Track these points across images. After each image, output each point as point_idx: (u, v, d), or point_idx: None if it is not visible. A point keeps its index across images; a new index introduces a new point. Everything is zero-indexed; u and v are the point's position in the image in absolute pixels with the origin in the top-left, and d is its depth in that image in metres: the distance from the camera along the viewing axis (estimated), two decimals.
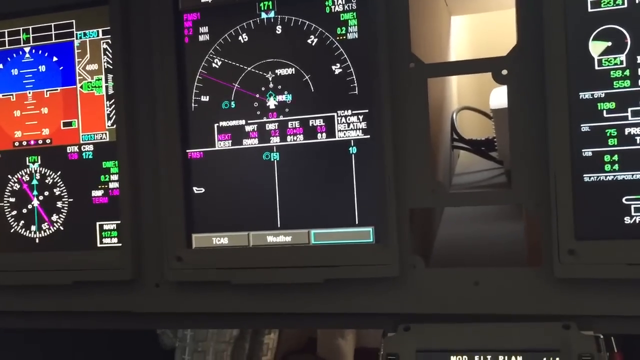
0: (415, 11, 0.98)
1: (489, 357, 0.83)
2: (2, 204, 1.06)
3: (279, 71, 0.93)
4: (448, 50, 1.39)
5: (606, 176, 0.81)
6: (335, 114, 0.91)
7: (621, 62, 0.80)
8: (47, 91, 1.04)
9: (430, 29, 1.15)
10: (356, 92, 0.90)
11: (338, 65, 0.91)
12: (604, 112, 0.81)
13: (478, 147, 1.37)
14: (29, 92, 1.04)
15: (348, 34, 0.90)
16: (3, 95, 1.06)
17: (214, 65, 0.96)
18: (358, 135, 0.90)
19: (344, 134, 0.90)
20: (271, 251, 0.92)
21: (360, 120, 0.90)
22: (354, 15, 0.90)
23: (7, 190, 1.06)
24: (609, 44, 0.81)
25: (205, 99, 0.96)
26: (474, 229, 1.12)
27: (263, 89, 0.94)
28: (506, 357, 0.83)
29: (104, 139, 1.01)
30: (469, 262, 1.01)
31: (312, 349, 1.72)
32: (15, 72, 1.05)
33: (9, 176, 1.05)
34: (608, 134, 0.81)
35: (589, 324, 0.82)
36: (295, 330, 1.66)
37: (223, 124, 0.95)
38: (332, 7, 0.91)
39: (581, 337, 0.81)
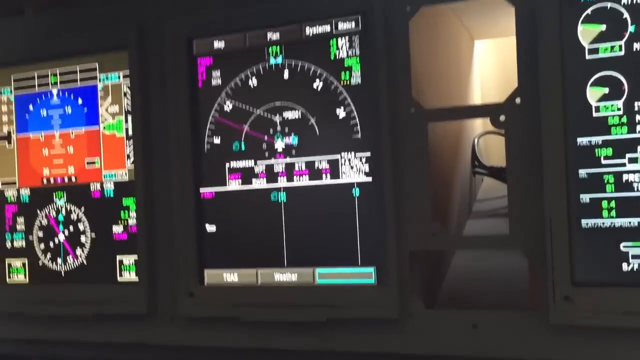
0: (426, 44, 0.99)
1: None
2: (32, 237, 1.12)
3: (286, 114, 0.96)
4: (470, 74, 1.39)
5: (604, 222, 0.81)
6: (339, 156, 0.93)
7: (618, 109, 0.80)
8: (72, 131, 1.10)
9: (446, 56, 1.16)
10: (359, 135, 0.92)
11: (342, 109, 0.93)
12: (602, 158, 0.81)
13: (499, 174, 1.37)
14: (56, 132, 1.11)
15: (352, 79, 0.93)
16: (33, 135, 1.12)
17: (225, 108, 1.00)
18: (361, 178, 0.92)
19: (348, 176, 0.93)
20: (278, 290, 0.95)
21: (363, 162, 0.92)
22: (357, 60, 0.93)
23: (36, 225, 1.12)
24: (606, 90, 0.81)
25: (217, 140, 1.00)
26: (486, 263, 1.12)
27: (271, 131, 0.97)
28: None
29: (124, 177, 1.06)
30: (476, 300, 1.02)
31: None
32: (44, 113, 1.12)
33: (38, 211, 1.12)
34: (606, 180, 0.81)
35: None
36: None
37: (233, 164, 0.99)
38: (337, 53, 0.94)
39: None
